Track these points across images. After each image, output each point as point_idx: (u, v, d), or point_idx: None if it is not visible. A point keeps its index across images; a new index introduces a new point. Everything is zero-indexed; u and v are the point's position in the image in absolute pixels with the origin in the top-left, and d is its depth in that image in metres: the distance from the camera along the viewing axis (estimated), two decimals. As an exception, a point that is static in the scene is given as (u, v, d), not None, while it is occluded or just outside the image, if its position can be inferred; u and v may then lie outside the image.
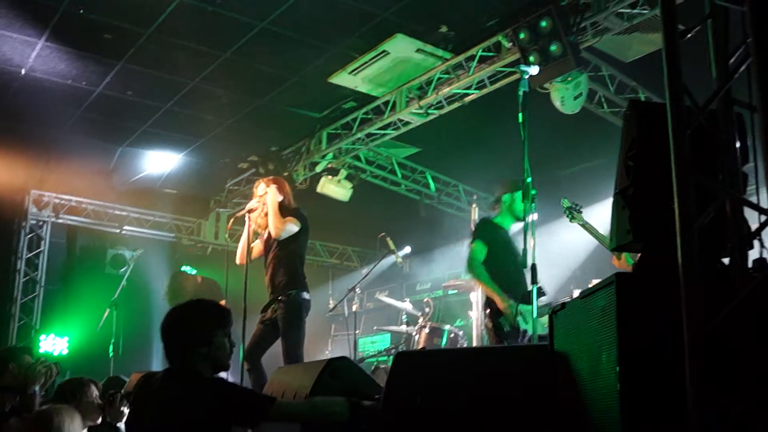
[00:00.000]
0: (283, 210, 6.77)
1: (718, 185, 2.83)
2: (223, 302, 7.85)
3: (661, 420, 2.58)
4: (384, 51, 8.49)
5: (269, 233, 6.80)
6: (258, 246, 6.98)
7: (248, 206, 6.80)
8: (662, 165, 2.81)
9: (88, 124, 10.38)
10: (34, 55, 8.59)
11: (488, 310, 6.32)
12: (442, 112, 9.24)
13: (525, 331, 6.05)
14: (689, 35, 2.96)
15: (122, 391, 5.50)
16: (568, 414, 3.25)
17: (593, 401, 2.94)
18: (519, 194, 6.39)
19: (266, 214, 6.80)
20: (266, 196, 6.78)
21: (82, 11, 7.75)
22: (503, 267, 6.38)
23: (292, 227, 6.69)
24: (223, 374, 3.81)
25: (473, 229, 6.83)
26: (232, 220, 7.19)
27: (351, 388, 4.69)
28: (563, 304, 3.44)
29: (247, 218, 6.77)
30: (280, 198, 6.77)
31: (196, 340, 3.57)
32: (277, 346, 6.63)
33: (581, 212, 7.17)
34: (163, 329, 3.66)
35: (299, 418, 3.72)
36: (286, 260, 6.71)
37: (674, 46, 2.82)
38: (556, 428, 3.36)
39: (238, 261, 6.92)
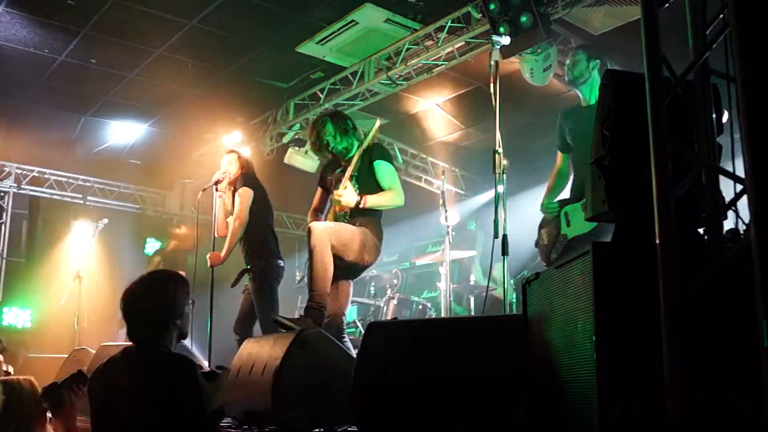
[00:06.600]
0: (241, 178, 6.72)
1: (694, 155, 2.83)
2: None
3: (638, 389, 2.59)
4: (353, 21, 8.40)
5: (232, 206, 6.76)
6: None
7: (214, 178, 6.72)
8: (638, 134, 2.80)
9: (51, 92, 10.17)
10: (-7, 22, 8.36)
11: None
12: (411, 83, 9.18)
13: (564, 236, 5.44)
14: (667, 4, 2.95)
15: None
16: (541, 384, 3.26)
17: (568, 371, 2.95)
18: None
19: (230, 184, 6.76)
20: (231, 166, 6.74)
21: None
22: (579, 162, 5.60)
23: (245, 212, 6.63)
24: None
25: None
26: (201, 193, 7.06)
27: (322, 359, 4.69)
28: (537, 274, 3.44)
29: (214, 190, 6.71)
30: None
31: (174, 311, 3.46)
32: None
33: None
34: (135, 300, 3.46)
35: None
36: (253, 230, 6.66)
37: (652, 15, 2.80)
38: (527, 398, 3.38)
39: (217, 234, 6.85)
